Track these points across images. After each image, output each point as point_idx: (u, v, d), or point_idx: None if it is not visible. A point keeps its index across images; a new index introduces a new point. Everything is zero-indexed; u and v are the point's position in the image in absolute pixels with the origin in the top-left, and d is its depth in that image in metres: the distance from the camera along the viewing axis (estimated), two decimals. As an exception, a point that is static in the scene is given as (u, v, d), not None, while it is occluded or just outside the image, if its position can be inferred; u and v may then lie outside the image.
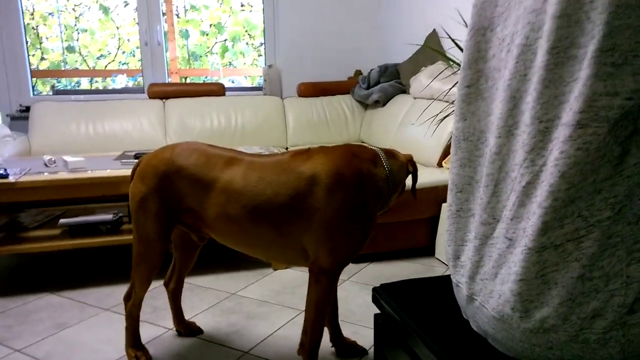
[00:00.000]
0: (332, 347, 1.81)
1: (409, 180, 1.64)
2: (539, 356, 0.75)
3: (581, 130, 0.68)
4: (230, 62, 5.11)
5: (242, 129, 3.76)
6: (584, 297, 0.70)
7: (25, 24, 3.94)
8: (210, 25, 4.95)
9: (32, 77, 4.00)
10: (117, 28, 4.67)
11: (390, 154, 1.61)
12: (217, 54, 5.04)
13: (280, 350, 1.83)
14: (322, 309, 1.57)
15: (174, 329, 1.96)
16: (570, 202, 0.69)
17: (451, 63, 2.22)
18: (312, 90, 4.04)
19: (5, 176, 2.22)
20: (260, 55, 4.97)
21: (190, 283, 2.42)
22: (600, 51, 0.66)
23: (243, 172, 1.54)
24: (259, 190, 1.50)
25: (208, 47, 5.07)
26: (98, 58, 4.78)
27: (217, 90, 3.93)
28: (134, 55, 4.80)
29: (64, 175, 2.31)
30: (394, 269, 2.57)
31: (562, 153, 0.69)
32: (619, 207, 0.68)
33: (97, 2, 4.40)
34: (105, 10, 4.50)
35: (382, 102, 3.73)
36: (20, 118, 3.79)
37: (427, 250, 2.75)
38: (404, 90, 3.68)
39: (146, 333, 1.90)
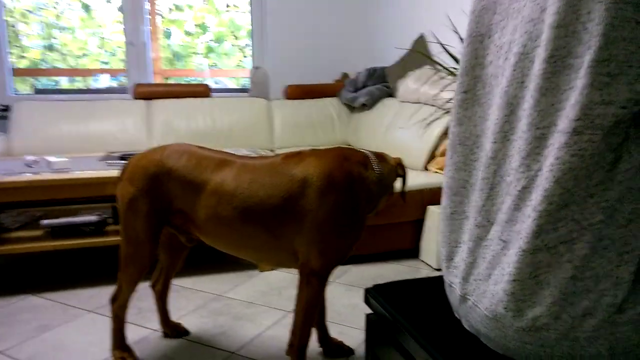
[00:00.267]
0: (319, 347, 1.81)
1: (397, 183, 1.66)
2: (531, 353, 0.78)
3: (577, 137, 0.70)
4: (214, 63, 5.09)
5: (229, 131, 3.75)
6: (575, 297, 0.72)
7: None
8: (195, 25, 4.92)
9: (14, 75, 3.93)
10: (99, 27, 4.61)
11: (381, 157, 1.63)
12: (201, 54, 5.01)
13: (268, 350, 1.83)
14: (311, 310, 1.58)
15: (161, 330, 1.95)
16: (564, 206, 0.72)
17: (439, 68, 2.26)
18: (299, 92, 4.05)
19: (-12, 175, 2.18)
20: (246, 56, 4.96)
21: (176, 285, 2.40)
22: (596, 61, 0.68)
23: (235, 174, 1.54)
24: (251, 192, 1.51)
25: (192, 48, 5.04)
26: (79, 57, 4.71)
27: (202, 91, 3.92)
28: (115, 55, 4.75)
29: (48, 175, 2.28)
30: (379, 271, 2.59)
31: (557, 159, 0.72)
32: (611, 211, 0.70)
33: (78, 0, 4.35)
34: (86, 8, 4.44)
35: (369, 106, 3.76)
36: (-1, 117, 3.73)
37: (412, 252, 2.77)
38: (390, 93, 3.72)
39: (132, 334, 1.88)
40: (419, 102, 3.19)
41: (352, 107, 4.02)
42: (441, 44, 2.22)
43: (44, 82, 4.54)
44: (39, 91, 4.22)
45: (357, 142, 3.78)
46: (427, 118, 2.52)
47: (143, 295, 2.25)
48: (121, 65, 4.29)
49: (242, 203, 1.51)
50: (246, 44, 4.87)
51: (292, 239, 1.51)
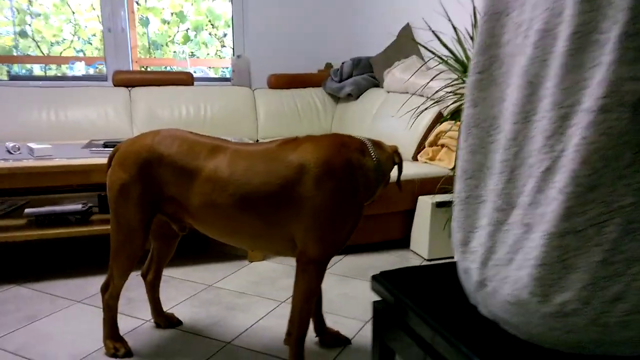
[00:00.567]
0: (316, 337, 1.81)
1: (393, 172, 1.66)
2: (557, 340, 0.78)
3: (604, 115, 0.69)
4: (192, 53, 4.99)
5: (212, 120, 3.69)
6: (605, 281, 0.72)
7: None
8: (172, 13, 4.81)
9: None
10: (73, 13, 4.47)
11: (377, 144, 1.62)
12: (178, 43, 4.91)
13: (263, 340, 1.81)
14: (310, 299, 1.56)
15: (152, 320, 1.91)
16: (592, 188, 0.71)
17: (431, 56, 2.25)
18: (283, 81, 4.01)
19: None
20: (224, 46, 4.88)
21: (165, 275, 2.36)
22: (624, 36, 0.67)
23: (229, 160, 1.52)
24: (247, 179, 1.48)
25: (169, 37, 4.94)
26: (52, 44, 4.55)
27: (185, 79, 3.84)
28: (91, 43, 4.61)
29: (30, 162, 2.20)
30: (370, 261, 2.59)
31: (584, 139, 0.71)
32: None
33: (52, -15, 4.20)
34: (60, -7, 4.30)
35: (354, 96, 3.75)
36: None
37: (402, 242, 2.78)
38: (376, 84, 3.71)
39: (122, 325, 1.84)
40: (407, 92, 3.19)
41: (337, 97, 4.01)
42: (433, 32, 2.22)
43: (15, 69, 4.39)
44: (13, 77, 4.07)
45: (343, 133, 3.76)
46: (419, 107, 2.52)
47: (132, 285, 2.20)
48: (97, 54, 4.16)
49: (237, 190, 1.48)
50: (224, 34, 4.79)
51: (289, 226, 1.49)
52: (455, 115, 2.21)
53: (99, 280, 2.29)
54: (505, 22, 0.88)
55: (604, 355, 0.76)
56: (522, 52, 0.84)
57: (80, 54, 4.59)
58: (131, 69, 4.09)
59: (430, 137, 2.86)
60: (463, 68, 2.17)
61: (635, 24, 0.66)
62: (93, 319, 1.94)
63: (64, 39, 4.51)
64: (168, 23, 4.84)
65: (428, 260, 2.61)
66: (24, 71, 4.37)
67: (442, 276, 1.15)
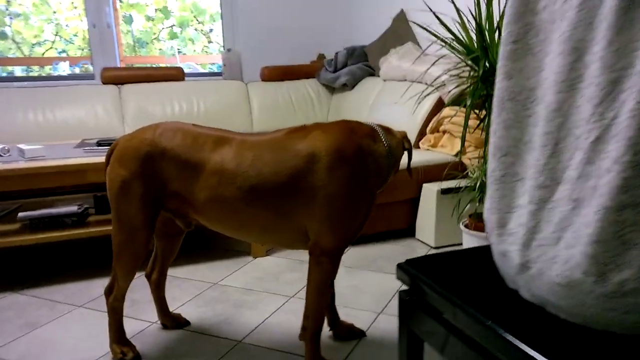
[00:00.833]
0: (329, 330, 1.75)
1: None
2: (612, 321, 0.73)
3: None
4: (179, 50, 4.90)
5: (205, 115, 3.61)
6: None
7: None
8: (156, 9, 4.71)
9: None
10: (54, 12, 4.34)
11: (387, 130, 1.56)
12: (164, 40, 4.81)
13: (275, 337, 1.75)
14: (324, 291, 1.51)
15: (159, 322, 1.85)
16: None
17: (434, 39, 2.20)
18: (276, 74, 3.94)
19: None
20: (211, 42, 4.79)
21: (168, 275, 2.26)
22: None
23: (235, 151, 1.45)
24: (255, 171, 1.42)
25: (154, 34, 4.83)
26: (33, 45, 4.43)
27: (176, 74, 3.75)
28: (73, 43, 4.49)
29: (23, 164, 2.12)
30: (376, 252, 2.54)
31: (639, 103, 0.66)
32: None
33: (31, -16, 4.08)
34: (39, -8, 4.17)
35: (350, 86, 3.69)
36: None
37: (407, 232, 2.74)
38: (372, 72, 3.65)
39: (127, 328, 1.76)
40: (405, 80, 3.14)
41: (332, 88, 3.94)
42: (434, 13, 2.16)
43: (-3, 71, 4.25)
44: (-3, 79, 3.95)
45: (340, 123, 3.70)
46: (420, 94, 2.47)
47: (135, 287, 2.13)
48: (80, 53, 4.05)
49: (245, 182, 1.42)
50: (211, 29, 4.70)
51: (300, 218, 1.43)
52: (462, 99, 2.16)
53: (99, 284, 2.21)
54: None
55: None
56: (562, 17, 0.79)
57: (63, 55, 4.47)
58: (119, 66, 3.98)
59: (432, 124, 2.81)
60: (466, 50, 2.12)
61: None
62: (96, 323, 1.87)
63: (46, 40, 4.38)
64: (152, 20, 4.74)
65: (435, 248, 2.56)
66: (5, 74, 4.23)
67: (470, 261, 1.10)
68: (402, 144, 1.58)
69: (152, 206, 1.52)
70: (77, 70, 4.25)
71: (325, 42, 4.26)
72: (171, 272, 2.32)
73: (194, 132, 1.51)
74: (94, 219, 2.37)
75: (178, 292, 2.13)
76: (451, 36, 2.16)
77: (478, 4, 2.03)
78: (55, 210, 2.27)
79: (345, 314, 1.89)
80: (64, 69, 4.31)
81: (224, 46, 4.24)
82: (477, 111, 2.23)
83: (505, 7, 0.89)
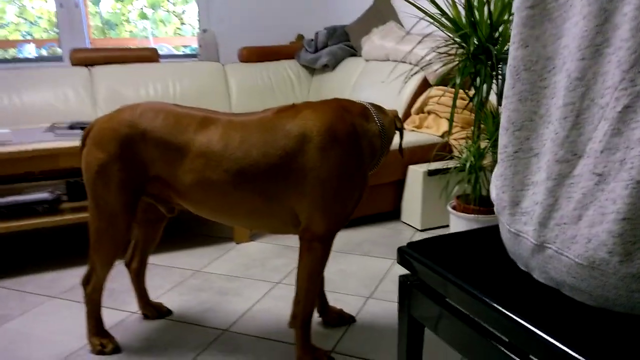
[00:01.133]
0: (319, 317, 1.70)
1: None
2: (637, 302, 0.69)
3: None
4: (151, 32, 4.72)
5: (181, 97, 3.48)
6: None
7: None
8: (126, -11, 4.52)
9: None
10: (17, -7, 4.12)
11: (379, 108, 1.50)
12: (134, 22, 4.62)
13: (263, 324, 1.69)
14: (316, 277, 1.45)
15: (139, 312, 1.76)
16: None
17: (423, 16, 2.12)
18: (255, 55, 3.82)
19: None
20: (184, 23, 4.63)
21: (148, 263, 2.19)
22: None
23: (221, 132, 1.37)
24: (243, 152, 1.34)
25: (124, 15, 4.64)
26: (-4, 28, 4.20)
27: (150, 56, 3.60)
28: (38, 25, 4.28)
29: (-12, 148, 1.98)
30: (362, 235, 2.49)
31: None
32: None
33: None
34: (1, -28, 3.95)
35: (331, 66, 3.60)
36: None
37: (392, 214, 2.69)
38: (354, 53, 3.57)
39: (107, 319, 1.68)
40: (388, 60, 3.07)
41: (312, 69, 3.85)
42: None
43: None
44: (-42, 61, 3.73)
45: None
46: (407, 73, 2.40)
47: (113, 275, 2.03)
48: (45, 35, 3.86)
49: (233, 164, 1.34)
50: (183, 10, 4.54)
51: (291, 201, 1.36)
52: (450, 78, 2.10)
53: (73, 273, 2.11)
54: None
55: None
56: None
57: (28, 37, 4.26)
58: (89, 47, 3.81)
59: (417, 104, 2.75)
60: (455, 27, 2.05)
61: None
62: (72, 314, 1.77)
63: (9, 22, 4.16)
64: (122, 1, 4.55)
65: (421, 230, 2.53)
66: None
67: (474, 243, 1.05)
68: (394, 123, 1.53)
69: (132, 191, 1.43)
70: (44, 53, 4.06)
71: (303, 22, 4.15)
72: (151, 259, 2.22)
73: (176, 112, 1.42)
74: (67, 205, 2.25)
75: (159, 280, 2.04)
76: (438, 12, 2.10)
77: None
78: (26, 198, 2.14)
79: (333, 299, 1.84)
80: (29, 51, 4.10)
81: (199, 26, 4.09)
82: (466, 90, 2.18)
83: None
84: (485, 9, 1.96)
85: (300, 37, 4.12)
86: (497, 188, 0.87)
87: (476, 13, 1.99)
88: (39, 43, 4.14)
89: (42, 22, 4.14)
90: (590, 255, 0.70)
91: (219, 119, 1.41)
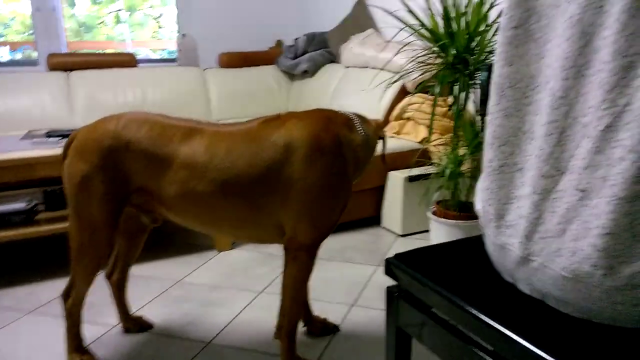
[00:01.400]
0: (303, 327, 1.70)
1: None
2: (620, 314, 0.71)
3: None
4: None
5: (160, 103, 3.45)
6: None
7: None
8: (102, -8, 4.46)
9: None
10: (-11, -4, 4.03)
11: (362, 118, 1.51)
12: (110, 25, 4.56)
13: (247, 336, 1.68)
14: (301, 287, 1.46)
15: (121, 325, 1.73)
16: None
17: (404, 26, 2.15)
18: (235, 60, 3.81)
19: None
20: (161, 27, 4.60)
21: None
22: None
23: (207, 143, 1.36)
24: (229, 163, 1.34)
25: (100, 18, 4.58)
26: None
27: (128, 61, 3.56)
28: (10, 27, 4.19)
29: (-39, 158, 1.93)
30: (343, 242, 2.50)
31: None
32: None
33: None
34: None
35: (311, 73, 3.61)
36: None
37: (373, 220, 2.71)
38: (333, 59, 3.58)
39: (87, 334, 1.65)
40: (367, 67, 3.10)
41: (292, 75, 3.85)
42: (403, 1, 2.12)
43: None
44: None
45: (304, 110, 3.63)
46: (389, 80, 2.42)
47: (91, 288, 1.98)
48: (19, 38, 3.78)
49: (219, 175, 1.34)
50: (161, 13, 4.51)
51: (277, 211, 1.36)
52: (429, 86, 2.13)
53: (50, 287, 2.06)
54: None
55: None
56: (569, 1, 0.75)
57: (1, 40, 4.17)
58: (65, 52, 3.74)
59: (396, 111, 2.78)
60: (434, 37, 2.08)
61: None
62: (49, 330, 1.73)
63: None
64: (98, 3, 4.49)
65: (402, 236, 2.55)
66: None
67: (459, 254, 1.07)
68: (377, 132, 1.54)
69: (115, 202, 1.41)
70: (18, 56, 3.97)
71: (283, 28, 4.16)
72: (131, 270, 2.19)
73: (161, 122, 1.41)
74: (45, 216, 2.21)
75: (140, 291, 2.02)
76: (417, 23, 2.13)
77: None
78: (1, 208, 2.09)
79: (317, 308, 1.84)
80: (2, 54, 4.01)
81: (178, 31, 4.06)
82: (444, 98, 2.21)
83: None
84: (463, 20, 2.00)
85: (280, 43, 4.12)
86: (482, 201, 0.89)
87: (454, 24, 2.02)
88: (14, 46, 4.05)
89: (14, 24, 4.06)
90: (575, 268, 0.72)
91: (204, 130, 1.40)
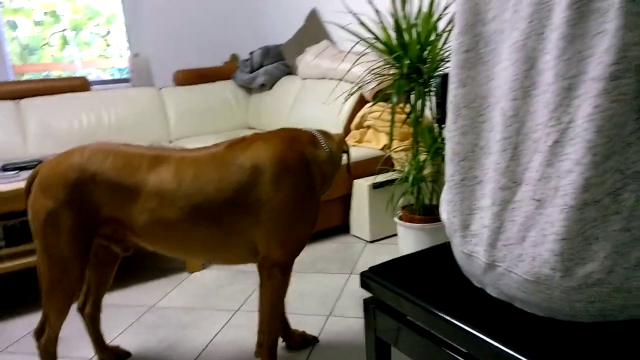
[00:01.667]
0: (282, 342, 1.72)
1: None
2: (578, 311, 0.77)
3: (616, 82, 0.69)
4: (71, 56, 4.56)
5: (117, 126, 3.40)
6: (626, 248, 0.72)
7: None
8: (45, 13, 4.35)
9: None
10: None
11: (326, 134, 1.56)
12: (55, 45, 4.45)
13: (227, 356, 1.69)
14: (278, 304, 1.49)
15: (96, 358, 1.71)
16: (608, 156, 0.71)
17: (357, 39, 2.21)
18: (190, 77, 3.79)
19: None
20: (109, 45, 4.52)
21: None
22: (627, 2, 0.67)
23: (174, 170, 1.38)
24: (197, 189, 1.35)
25: (44, 39, 4.47)
26: None
27: (80, 85, 3.49)
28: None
29: None
30: (314, 252, 2.54)
31: (597, 107, 0.70)
32: None
33: None
34: None
35: (268, 86, 3.64)
36: None
37: (342, 228, 2.76)
38: (289, 72, 3.63)
39: (62, 369, 1.63)
40: (324, 78, 3.15)
41: (249, 89, 3.87)
42: (355, 15, 2.18)
43: None
44: None
45: (261, 124, 3.65)
46: (349, 91, 2.49)
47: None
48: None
49: (188, 202, 1.35)
50: (108, 31, 4.44)
51: (248, 232, 1.39)
52: (387, 95, 2.20)
53: (19, 324, 2.01)
54: None
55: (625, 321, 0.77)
56: (512, 28, 0.82)
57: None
58: (11, 78, 3.64)
59: (356, 120, 2.85)
60: (388, 49, 2.16)
61: None
62: (23, 368, 1.70)
63: None
64: (42, 24, 4.38)
65: (370, 242, 2.61)
66: None
67: (430, 263, 1.12)
68: (341, 146, 1.59)
69: (85, 235, 1.40)
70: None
71: (236, 42, 4.17)
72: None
73: (126, 152, 1.41)
74: (5, 252, 2.14)
75: (112, 321, 1.99)
76: (370, 35, 2.20)
77: (394, 3, 2.08)
78: (-41, 248, 2.03)
79: (294, 321, 1.87)
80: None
81: (129, 49, 4.01)
82: (401, 106, 2.29)
83: (454, 16, 0.91)
84: (414, 31, 2.08)
85: (235, 58, 4.13)
86: (447, 212, 0.95)
87: (405, 35, 2.10)
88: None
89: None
90: (536, 272, 0.78)
91: (170, 157, 1.41)
